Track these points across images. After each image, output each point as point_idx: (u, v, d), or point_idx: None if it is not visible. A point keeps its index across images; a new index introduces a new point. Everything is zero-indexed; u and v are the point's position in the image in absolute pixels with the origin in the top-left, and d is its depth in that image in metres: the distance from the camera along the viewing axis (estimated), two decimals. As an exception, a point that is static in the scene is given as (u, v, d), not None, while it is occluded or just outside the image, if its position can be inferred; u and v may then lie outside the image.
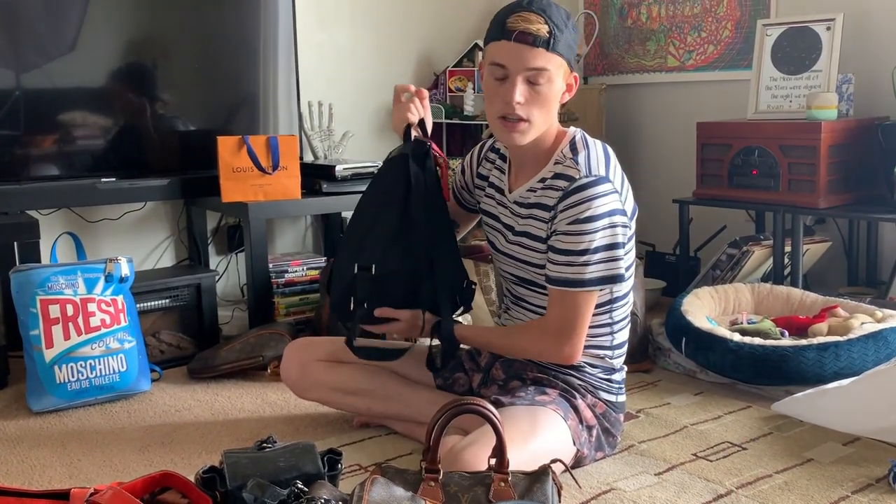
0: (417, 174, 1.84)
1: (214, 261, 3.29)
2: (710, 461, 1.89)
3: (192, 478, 1.58)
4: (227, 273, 3.33)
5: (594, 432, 1.84)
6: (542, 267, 1.80)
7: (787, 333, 2.41)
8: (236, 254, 3.33)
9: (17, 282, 2.29)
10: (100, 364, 2.30)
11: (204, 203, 3.05)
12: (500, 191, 1.93)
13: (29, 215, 2.71)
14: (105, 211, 3.04)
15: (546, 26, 1.68)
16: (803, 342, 2.23)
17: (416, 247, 1.82)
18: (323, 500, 1.40)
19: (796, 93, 2.96)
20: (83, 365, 2.28)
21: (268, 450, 1.62)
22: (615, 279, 1.75)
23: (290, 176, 2.83)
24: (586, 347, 1.84)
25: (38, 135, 2.73)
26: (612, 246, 1.73)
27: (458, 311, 1.93)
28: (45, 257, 2.76)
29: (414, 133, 1.90)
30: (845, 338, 2.23)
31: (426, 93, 1.95)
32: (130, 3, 2.85)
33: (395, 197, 1.84)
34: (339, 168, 2.96)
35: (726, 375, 2.34)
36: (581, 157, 1.76)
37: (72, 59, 2.75)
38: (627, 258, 1.79)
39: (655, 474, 1.83)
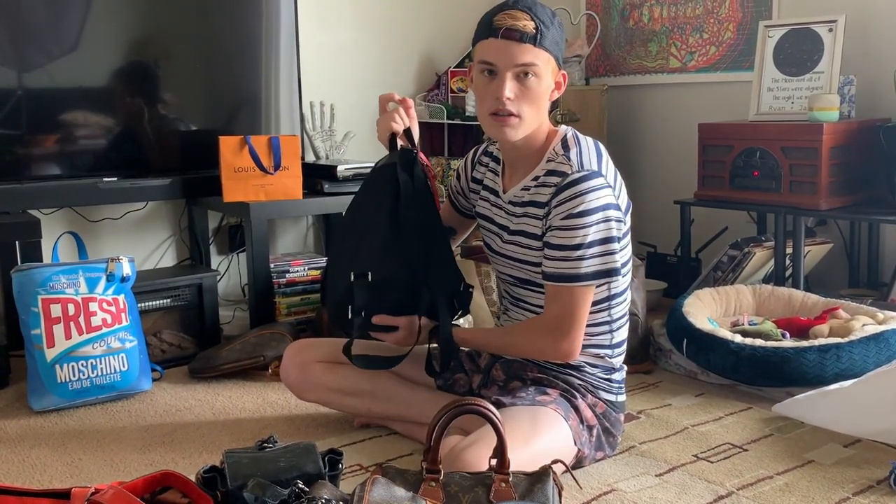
0: (406, 182, 1.85)
1: (216, 260, 3.29)
2: (711, 462, 1.89)
3: (192, 477, 1.58)
4: (229, 273, 3.33)
5: (595, 432, 1.84)
6: (539, 265, 1.80)
7: (788, 335, 2.41)
8: (237, 254, 3.33)
9: (19, 281, 2.30)
10: (101, 363, 2.30)
11: (205, 203, 3.05)
12: (495, 192, 1.94)
13: (30, 215, 2.71)
14: (107, 210, 3.05)
15: (532, 22, 1.71)
16: (804, 344, 2.23)
17: (410, 253, 1.82)
18: (324, 500, 1.40)
19: (798, 94, 2.95)
20: (84, 364, 2.28)
21: (268, 450, 1.62)
22: (611, 273, 1.75)
23: (291, 176, 2.83)
24: (586, 347, 1.84)
25: (39, 134, 2.73)
26: (607, 240, 1.73)
27: (457, 316, 1.93)
28: (46, 257, 2.76)
29: (400, 142, 1.91)
30: (846, 339, 2.23)
31: (411, 102, 1.96)
32: (132, 3, 2.85)
33: (385, 205, 1.85)
34: (340, 168, 2.96)
35: (727, 377, 2.34)
36: (573, 153, 1.76)
37: (74, 59, 2.75)
38: (623, 253, 1.79)
39: (656, 475, 1.83)
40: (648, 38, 3.67)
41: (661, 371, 2.55)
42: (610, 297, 1.83)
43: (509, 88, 1.72)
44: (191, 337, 2.73)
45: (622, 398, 1.92)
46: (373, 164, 2.98)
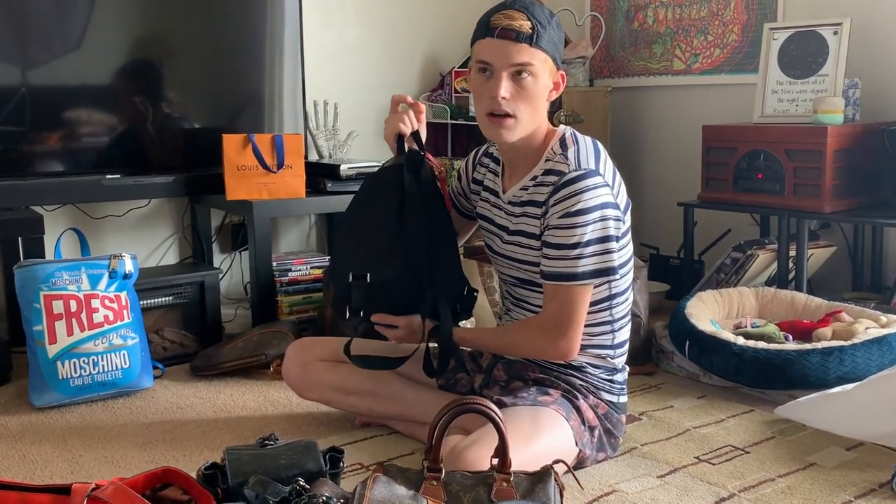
0: (411, 183, 1.84)
1: (218, 259, 3.29)
2: (713, 464, 1.89)
3: (193, 474, 1.58)
4: (231, 271, 3.33)
5: (596, 433, 1.84)
6: (539, 265, 1.80)
7: (791, 338, 2.41)
8: (240, 252, 3.33)
9: (21, 277, 2.30)
10: (102, 360, 2.30)
11: (208, 201, 3.05)
12: (495, 193, 1.93)
13: (34, 211, 2.71)
14: (110, 207, 3.05)
15: (529, 22, 1.71)
16: (807, 346, 2.23)
17: (414, 255, 1.82)
18: (324, 498, 1.40)
19: (802, 97, 2.95)
20: (86, 361, 2.28)
21: (270, 447, 1.61)
22: (608, 272, 1.75)
23: (294, 175, 2.83)
24: (588, 347, 1.84)
25: (43, 131, 2.74)
26: (605, 239, 1.73)
27: (459, 319, 1.93)
28: (49, 253, 2.76)
29: (407, 145, 1.91)
30: (849, 342, 2.22)
31: (423, 107, 1.96)
32: (137, 1, 2.85)
33: (390, 206, 1.84)
34: (343, 167, 2.96)
35: (730, 379, 2.33)
36: (570, 153, 1.76)
37: (78, 57, 2.76)
38: (623, 252, 1.79)
39: (658, 477, 1.82)
40: (653, 40, 3.67)
41: (663, 373, 2.54)
42: (611, 297, 1.83)
43: (505, 88, 1.72)
44: (192, 335, 2.73)
45: (624, 399, 1.91)
46: (375, 164, 3.02)
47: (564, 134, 1.82)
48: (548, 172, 1.78)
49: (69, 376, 2.26)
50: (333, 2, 3.46)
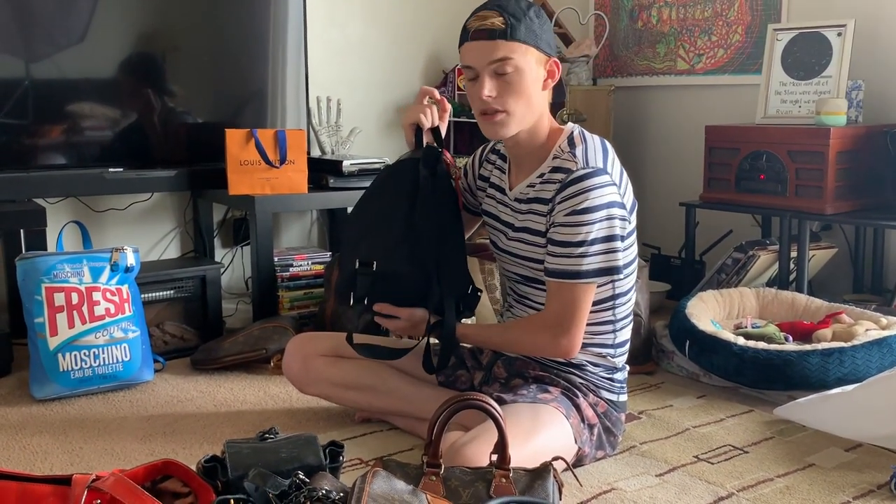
0: (426, 178, 1.84)
1: (220, 253, 3.29)
2: (712, 464, 1.89)
3: (193, 467, 1.58)
4: (233, 266, 3.34)
5: (595, 431, 1.84)
6: (543, 262, 1.80)
7: (791, 338, 2.41)
8: (242, 247, 3.33)
9: (23, 269, 2.30)
10: (103, 353, 2.30)
11: (211, 195, 3.05)
12: (501, 190, 1.94)
13: (36, 203, 2.72)
14: (112, 201, 3.05)
15: (500, 18, 1.71)
16: (807, 347, 2.23)
17: (422, 250, 1.82)
18: (324, 492, 1.40)
19: (805, 98, 2.95)
20: (87, 353, 2.28)
21: (270, 440, 1.62)
22: (613, 271, 1.75)
23: (297, 170, 2.83)
24: (589, 345, 1.84)
25: (46, 124, 2.74)
26: (610, 238, 1.73)
27: (461, 318, 1.93)
28: (51, 245, 2.76)
29: (426, 139, 1.91)
30: (850, 344, 2.22)
31: (449, 106, 1.95)
32: (142, -6, 2.86)
33: (402, 199, 1.84)
34: (346, 163, 2.96)
35: (730, 379, 2.34)
36: (578, 151, 1.76)
37: (82, 50, 2.76)
38: (628, 252, 1.79)
39: (656, 475, 1.83)
40: (657, 40, 3.67)
41: (663, 372, 2.55)
42: (614, 297, 1.83)
43: (488, 87, 1.74)
44: (193, 329, 2.73)
45: (624, 398, 1.92)
46: (378, 160, 3.02)
47: (573, 132, 1.82)
48: (555, 170, 1.78)
49: (70, 368, 2.26)
50: (338, -2, 3.47)
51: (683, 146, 3.57)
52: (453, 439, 1.67)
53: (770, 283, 3.04)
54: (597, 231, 1.71)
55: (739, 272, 2.98)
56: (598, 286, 1.78)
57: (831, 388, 2.14)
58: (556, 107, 2.79)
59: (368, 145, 3.54)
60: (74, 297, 2.29)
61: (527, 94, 1.75)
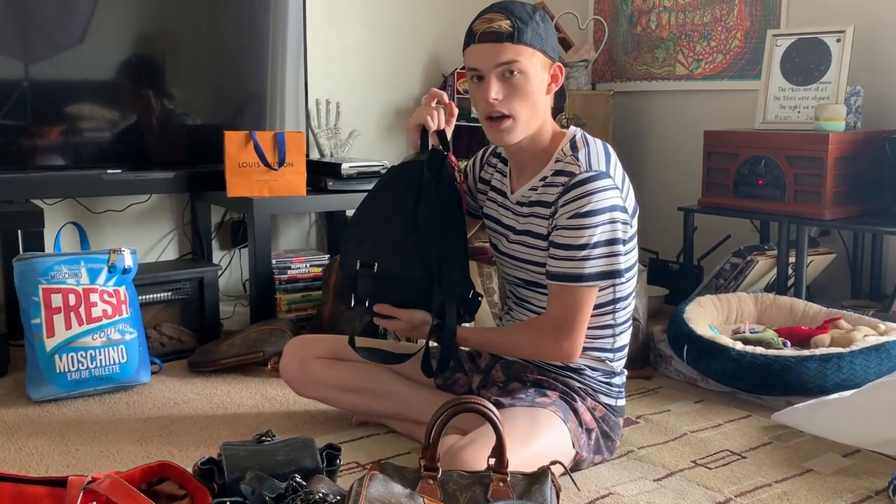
0: (429, 181, 1.84)
1: (218, 255, 3.29)
2: (710, 469, 1.89)
3: (189, 469, 1.58)
4: (230, 268, 3.33)
5: (593, 435, 1.84)
6: (544, 266, 1.80)
7: (789, 344, 2.41)
8: (240, 249, 3.33)
9: (20, 270, 2.29)
10: (100, 354, 2.30)
11: (209, 197, 3.05)
12: (502, 193, 1.93)
13: (34, 204, 2.71)
14: (110, 202, 3.05)
15: (508, 21, 1.71)
16: (805, 353, 2.23)
17: (425, 253, 1.82)
18: (321, 495, 1.40)
19: (804, 104, 2.95)
20: (84, 355, 2.28)
21: (266, 443, 1.61)
22: (614, 275, 1.75)
23: (295, 172, 2.83)
24: (588, 349, 1.84)
25: (45, 125, 2.73)
26: (612, 241, 1.73)
27: (461, 322, 1.93)
28: (48, 246, 2.76)
29: (431, 142, 1.90)
30: (848, 349, 2.22)
31: (456, 111, 1.95)
32: (141, -4, 2.86)
33: (406, 201, 1.84)
34: (344, 166, 2.96)
35: (727, 384, 2.33)
36: (581, 154, 1.76)
37: (81, 51, 2.76)
38: (629, 256, 1.79)
39: (654, 480, 1.82)
40: (656, 45, 3.67)
41: (661, 377, 2.54)
42: (615, 301, 1.83)
43: (495, 90, 1.73)
44: (191, 331, 2.73)
45: (622, 402, 1.91)
46: (377, 163, 3.02)
47: (575, 135, 1.82)
48: (558, 173, 1.78)
49: (67, 370, 2.26)
50: (338, 1, 3.47)
51: (682, 151, 3.57)
52: (451, 443, 1.66)
53: (768, 289, 3.04)
54: (599, 234, 1.71)
55: (738, 277, 2.98)
56: (600, 290, 1.78)
57: (829, 393, 2.14)
58: (555, 111, 2.79)
59: (367, 148, 3.54)
60: (72, 299, 2.29)
61: (532, 98, 1.75)
